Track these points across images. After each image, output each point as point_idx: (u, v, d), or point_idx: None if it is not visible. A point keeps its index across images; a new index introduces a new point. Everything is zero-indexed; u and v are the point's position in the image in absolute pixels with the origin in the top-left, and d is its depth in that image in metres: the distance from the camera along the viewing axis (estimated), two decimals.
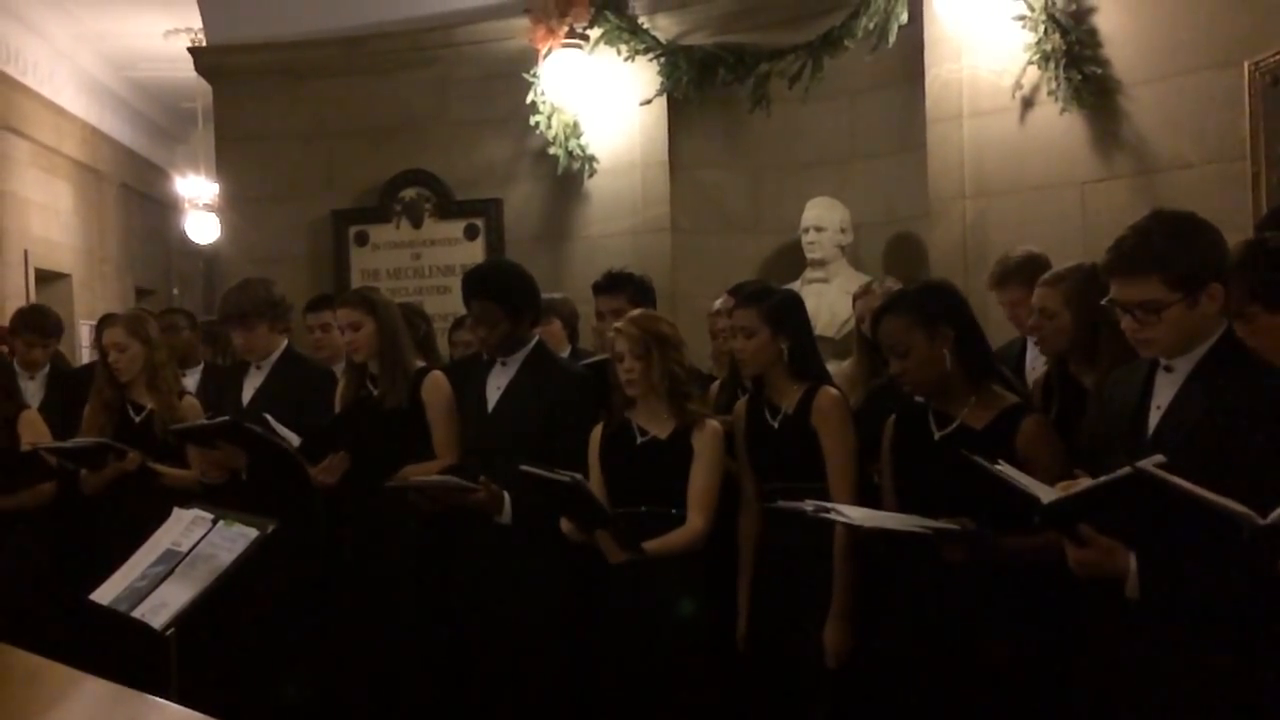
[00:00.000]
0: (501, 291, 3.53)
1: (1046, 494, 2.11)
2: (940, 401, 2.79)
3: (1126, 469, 1.90)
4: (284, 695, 3.61)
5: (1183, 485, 1.86)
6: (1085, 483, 2.09)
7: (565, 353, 4.35)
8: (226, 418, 3.82)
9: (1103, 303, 2.30)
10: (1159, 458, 1.92)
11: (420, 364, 3.86)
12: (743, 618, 3.18)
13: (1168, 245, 2.17)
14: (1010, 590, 2.61)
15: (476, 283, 3.59)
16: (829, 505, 2.74)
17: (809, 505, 2.70)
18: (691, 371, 3.39)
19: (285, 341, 4.11)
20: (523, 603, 3.38)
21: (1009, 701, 2.60)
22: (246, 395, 4.02)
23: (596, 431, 3.31)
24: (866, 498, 3.02)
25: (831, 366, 3.67)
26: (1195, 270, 2.15)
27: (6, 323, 5.23)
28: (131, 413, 4.10)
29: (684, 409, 3.17)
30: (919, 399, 2.86)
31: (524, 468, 3.00)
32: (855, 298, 4.02)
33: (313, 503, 3.73)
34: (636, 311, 3.38)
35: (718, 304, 4.12)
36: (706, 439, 3.16)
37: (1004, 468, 2.28)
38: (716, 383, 3.80)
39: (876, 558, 2.89)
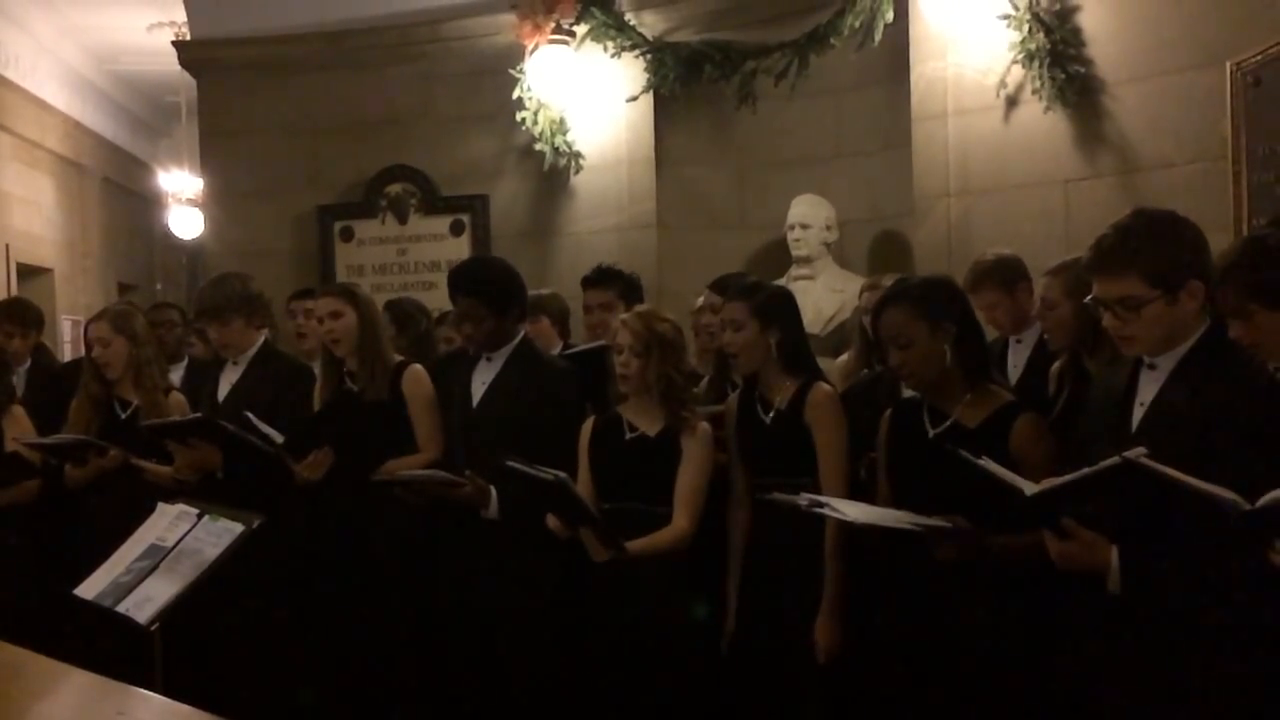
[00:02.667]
0: (487, 287, 3.53)
1: (1029, 488, 2.13)
2: (935, 398, 2.79)
3: (1112, 460, 1.92)
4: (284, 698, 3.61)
5: (1169, 473, 1.88)
6: (1067, 476, 2.10)
7: (557, 349, 4.35)
8: (199, 414, 3.81)
9: (1085, 301, 2.32)
10: (1141, 450, 1.94)
11: (399, 358, 3.86)
12: (730, 615, 3.18)
13: (1147, 243, 2.19)
14: (998, 587, 2.62)
15: (462, 279, 3.59)
16: (823, 500, 2.75)
17: (803, 499, 2.71)
18: (689, 375, 3.40)
19: (262, 337, 4.08)
20: (509, 598, 3.38)
21: (996, 698, 2.61)
22: (223, 391, 3.99)
23: (588, 424, 3.31)
24: (856, 494, 3.03)
25: (819, 363, 3.68)
26: (1174, 267, 2.17)
27: None
28: (118, 408, 4.09)
29: (676, 414, 3.18)
30: (913, 395, 2.86)
31: (509, 462, 3.00)
32: (863, 291, 4.03)
33: (290, 499, 3.72)
34: (643, 308, 3.38)
35: (699, 301, 4.14)
36: (696, 441, 3.16)
37: (987, 462, 2.29)
38: (705, 380, 3.81)
39: (869, 554, 2.89)
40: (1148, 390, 2.24)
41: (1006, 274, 3.61)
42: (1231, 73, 4.07)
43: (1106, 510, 2.09)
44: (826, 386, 3.17)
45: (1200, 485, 1.87)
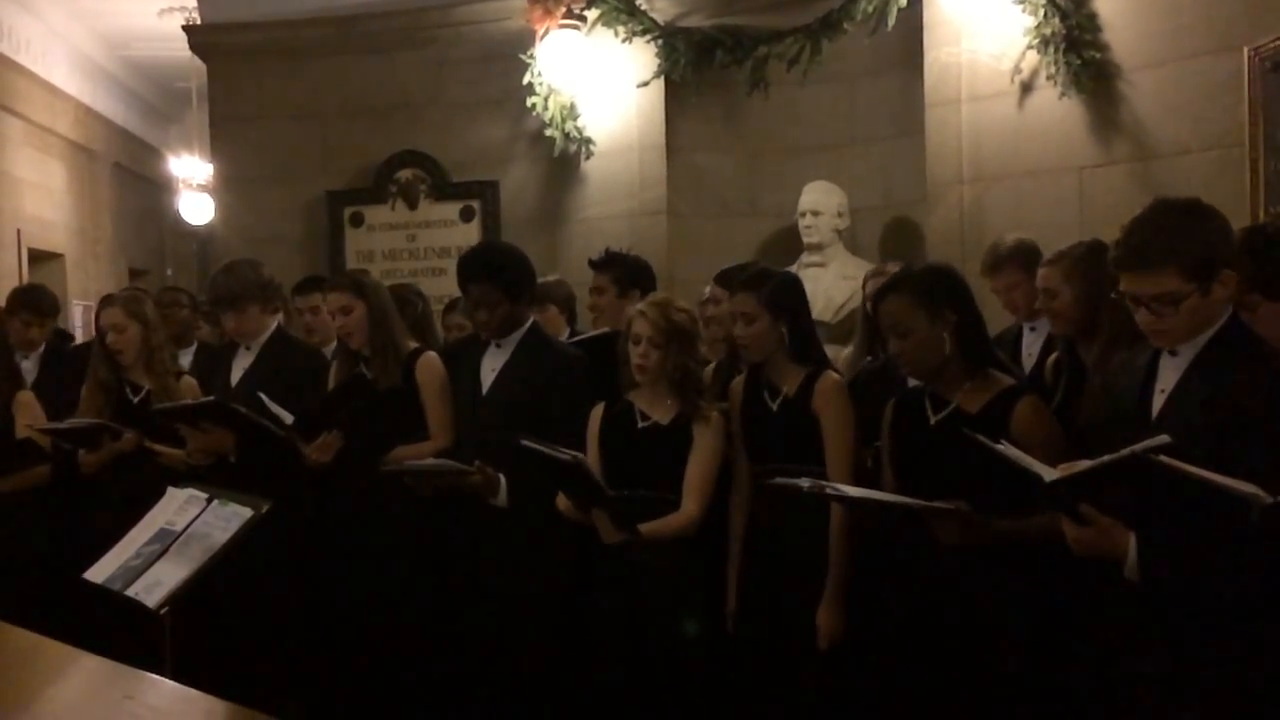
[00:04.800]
0: (501, 273, 3.51)
1: (1048, 474, 2.11)
2: (936, 385, 2.78)
3: (1129, 450, 1.91)
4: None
5: (1188, 469, 1.86)
6: (1087, 462, 2.09)
7: (564, 336, 4.34)
8: (211, 398, 3.81)
9: (1112, 295, 2.29)
10: (1164, 438, 1.92)
11: (413, 345, 3.85)
12: (732, 596, 3.18)
13: (1181, 236, 2.15)
14: (1003, 574, 2.61)
15: (475, 265, 3.57)
16: (824, 482, 2.75)
17: (805, 481, 2.71)
18: (703, 363, 3.39)
19: (275, 323, 4.09)
20: (517, 585, 3.37)
21: (1000, 685, 2.60)
22: (235, 376, 3.99)
23: (597, 411, 3.30)
24: (862, 482, 3.02)
25: (829, 351, 3.66)
26: (1208, 259, 2.15)
27: (3, 302, 5.19)
28: (129, 393, 4.09)
29: (693, 403, 3.17)
30: (916, 383, 2.85)
31: (524, 443, 3.00)
32: (866, 280, 4.01)
33: (300, 483, 3.72)
34: (658, 297, 3.37)
35: (707, 291, 4.12)
36: (707, 430, 3.16)
37: (1006, 447, 2.28)
38: (711, 366, 3.80)
39: (873, 539, 2.89)
40: (1168, 377, 2.22)
41: (1027, 256, 3.63)
42: (1249, 58, 4.03)
43: (1125, 497, 2.07)
44: (835, 375, 3.17)
45: (1220, 480, 1.85)
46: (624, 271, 4.23)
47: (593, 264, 4.34)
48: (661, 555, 3.08)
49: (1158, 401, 2.22)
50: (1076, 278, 3.00)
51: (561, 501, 3.19)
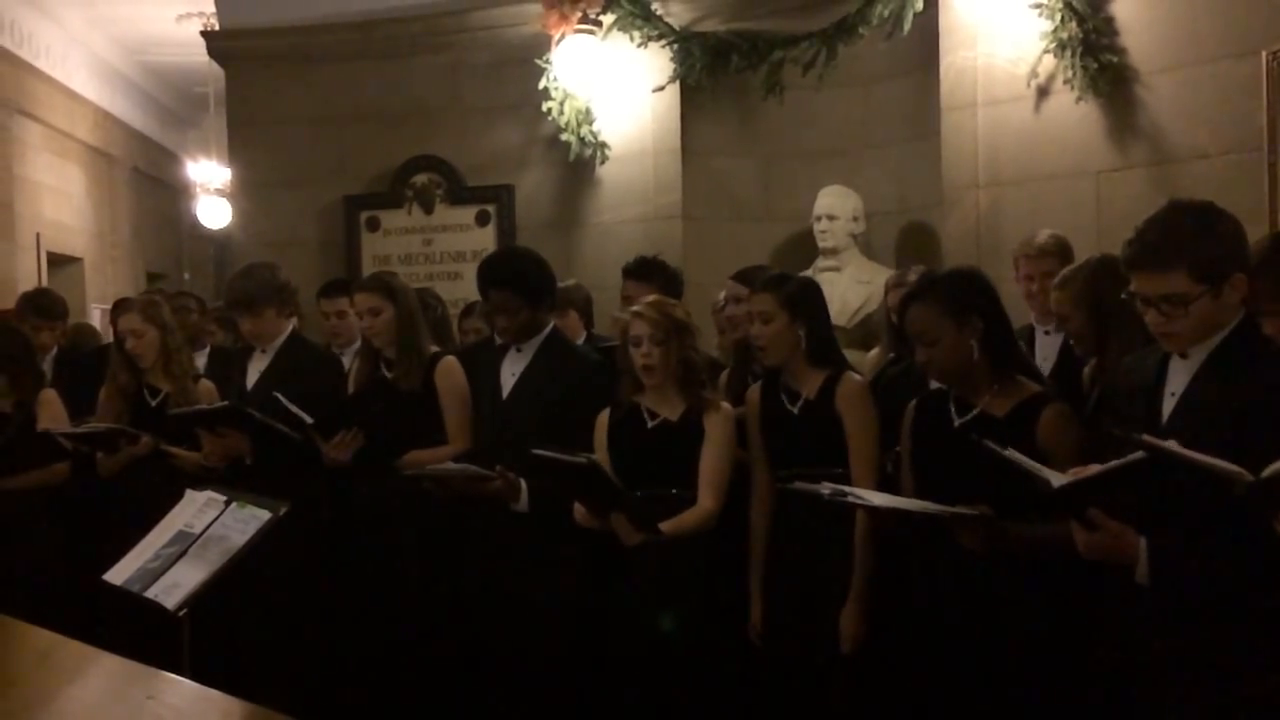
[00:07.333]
0: (521, 279, 3.51)
1: (1056, 479, 2.11)
2: (962, 389, 2.77)
3: (1138, 454, 1.91)
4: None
5: (1173, 450, 1.87)
6: (1095, 468, 2.08)
7: (581, 339, 4.35)
8: (225, 403, 3.83)
9: (1123, 296, 2.28)
10: (1173, 444, 1.92)
11: (434, 349, 3.87)
12: (755, 608, 3.17)
13: (1191, 238, 2.15)
14: (1027, 578, 2.60)
15: (495, 271, 3.57)
16: (845, 489, 2.74)
17: (826, 488, 2.69)
18: (705, 359, 3.39)
19: (291, 326, 4.11)
20: (535, 589, 3.37)
21: (1025, 689, 2.60)
22: (251, 379, 4.01)
23: (603, 416, 3.30)
24: (884, 485, 3.01)
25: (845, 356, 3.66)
26: (1219, 261, 2.14)
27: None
28: (148, 396, 4.12)
29: (697, 395, 3.18)
30: (940, 387, 2.84)
31: (536, 450, 3.00)
32: (888, 288, 4.00)
33: (317, 486, 3.73)
34: (653, 297, 3.37)
35: (722, 296, 4.10)
36: (717, 421, 3.17)
37: (1013, 453, 2.27)
38: (725, 372, 3.79)
39: (895, 543, 2.88)
40: (1178, 380, 2.22)
41: (1065, 251, 3.71)
42: (1268, 62, 4.02)
43: (1134, 502, 2.06)
44: (857, 376, 3.16)
45: (1205, 460, 1.86)
46: (669, 280, 4.19)
47: (631, 273, 4.28)
48: (682, 559, 3.07)
49: (1168, 405, 2.21)
50: (1083, 301, 2.98)
51: (578, 511, 3.19)
